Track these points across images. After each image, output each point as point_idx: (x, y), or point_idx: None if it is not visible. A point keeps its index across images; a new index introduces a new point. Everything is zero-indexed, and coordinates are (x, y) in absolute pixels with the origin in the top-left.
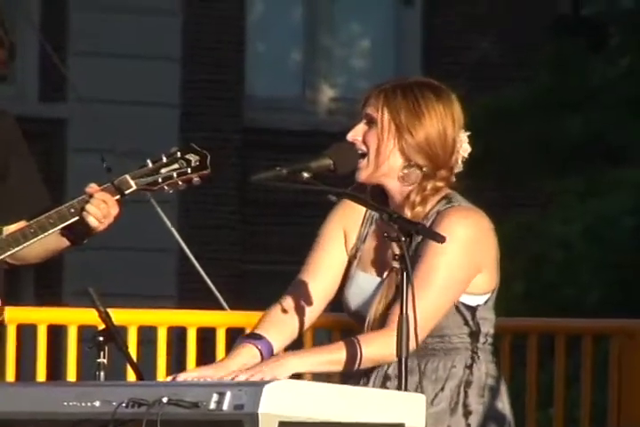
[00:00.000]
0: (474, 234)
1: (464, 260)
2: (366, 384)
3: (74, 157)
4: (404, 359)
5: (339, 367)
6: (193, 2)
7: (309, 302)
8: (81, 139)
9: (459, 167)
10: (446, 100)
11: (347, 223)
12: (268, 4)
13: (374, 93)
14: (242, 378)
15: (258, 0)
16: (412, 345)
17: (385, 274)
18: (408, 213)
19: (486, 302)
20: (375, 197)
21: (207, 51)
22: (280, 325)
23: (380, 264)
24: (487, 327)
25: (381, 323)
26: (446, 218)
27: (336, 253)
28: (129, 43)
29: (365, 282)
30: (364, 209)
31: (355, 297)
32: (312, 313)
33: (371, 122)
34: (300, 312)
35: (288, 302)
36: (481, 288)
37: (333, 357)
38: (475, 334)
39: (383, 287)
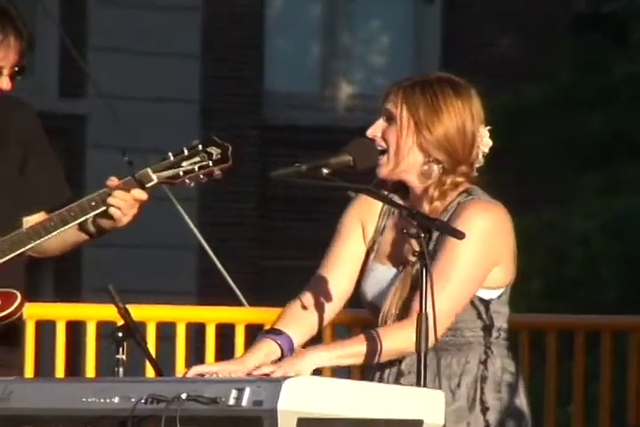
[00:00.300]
0: (493, 226)
1: (482, 252)
2: (380, 381)
3: (93, 153)
4: (422, 356)
5: (359, 360)
6: None
7: (329, 298)
8: (100, 135)
9: (479, 162)
10: (465, 96)
11: (364, 216)
12: (288, 0)
13: (394, 90)
14: (265, 371)
15: None
16: (432, 340)
17: (401, 267)
18: (426, 207)
19: (500, 296)
20: (396, 190)
21: (226, 47)
22: (300, 320)
23: (396, 256)
24: (500, 322)
25: (396, 315)
26: (466, 210)
27: (354, 247)
28: (149, 39)
29: (382, 274)
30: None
31: (371, 288)
32: (331, 309)
33: (390, 118)
34: (320, 308)
35: (307, 297)
36: (496, 282)
37: (353, 350)
38: (488, 328)
39: (398, 280)
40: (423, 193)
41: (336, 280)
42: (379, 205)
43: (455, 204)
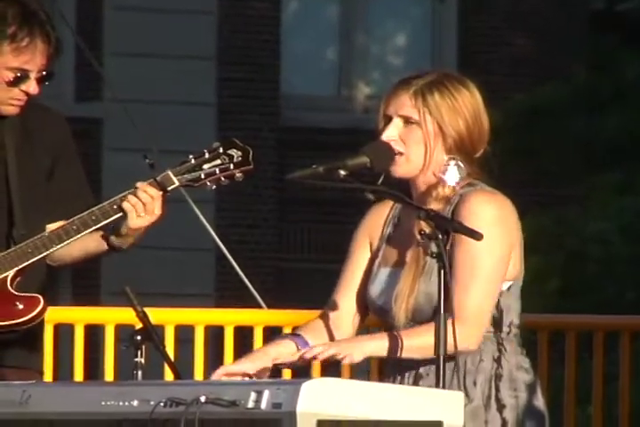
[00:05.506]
0: (500, 212)
1: (499, 237)
2: (400, 383)
3: (109, 156)
4: (442, 357)
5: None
6: (228, 0)
7: (344, 319)
8: (117, 138)
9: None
10: (473, 90)
11: (371, 230)
12: (304, 2)
13: (409, 94)
14: (316, 351)
15: None
16: (476, 341)
17: (408, 266)
18: (433, 194)
19: (509, 289)
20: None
21: (243, 49)
22: (318, 331)
23: (401, 260)
24: (511, 316)
25: (408, 311)
26: (470, 199)
27: (365, 264)
28: (164, 42)
29: (387, 276)
30: (386, 212)
31: (378, 292)
32: (347, 329)
33: (408, 122)
34: (334, 329)
35: (324, 318)
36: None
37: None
38: (498, 323)
39: (405, 272)
40: (429, 189)
41: (351, 301)
42: (384, 215)
43: (457, 195)
